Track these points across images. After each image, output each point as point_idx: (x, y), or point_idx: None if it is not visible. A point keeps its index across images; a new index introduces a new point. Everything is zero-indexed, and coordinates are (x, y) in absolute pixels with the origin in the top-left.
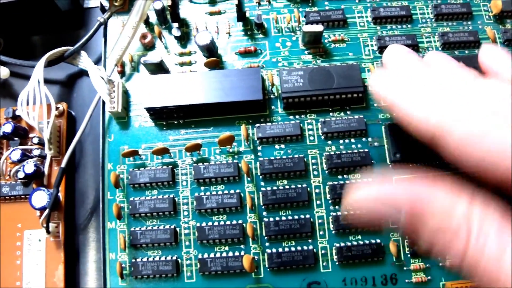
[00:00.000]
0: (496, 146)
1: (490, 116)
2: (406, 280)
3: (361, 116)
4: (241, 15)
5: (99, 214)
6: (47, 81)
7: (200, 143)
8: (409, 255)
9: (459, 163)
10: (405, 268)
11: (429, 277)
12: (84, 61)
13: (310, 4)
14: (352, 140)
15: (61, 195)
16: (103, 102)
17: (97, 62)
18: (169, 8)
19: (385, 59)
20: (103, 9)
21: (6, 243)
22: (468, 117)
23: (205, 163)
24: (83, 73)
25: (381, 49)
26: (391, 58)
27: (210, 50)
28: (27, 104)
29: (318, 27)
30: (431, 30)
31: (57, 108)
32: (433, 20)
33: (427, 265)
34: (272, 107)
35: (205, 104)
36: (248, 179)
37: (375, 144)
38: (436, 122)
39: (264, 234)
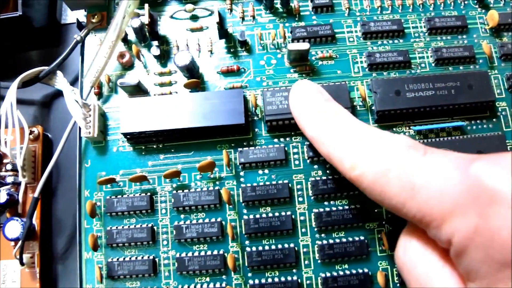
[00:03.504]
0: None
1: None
2: None
3: None
4: (223, 33)
5: (77, 243)
6: (22, 102)
7: (180, 169)
8: (398, 285)
9: (378, 202)
10: None
11: None
12: (60, 82)
13: (296, 19)
14: None
15: (36, 223)
16: (80, 126)
17: (74, 82)
18: (147, 26)
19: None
20: (80, 25)
21: None
22: (375, 160)
23: (185, 190)
24: (60, 93)
25: (371, 66)
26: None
27: (190, 71)
28: None
29: (304, 45)
30: (424, 45)
31: (31, 132)
32: (426, 34)
33: None
34: (256, 129)
35: (185, 128)
36: (230, 207)
37: None
38: (350, 166)
39: (246, 265)
